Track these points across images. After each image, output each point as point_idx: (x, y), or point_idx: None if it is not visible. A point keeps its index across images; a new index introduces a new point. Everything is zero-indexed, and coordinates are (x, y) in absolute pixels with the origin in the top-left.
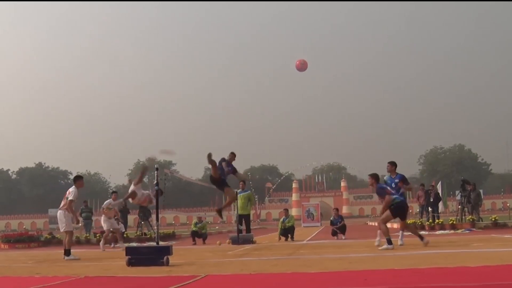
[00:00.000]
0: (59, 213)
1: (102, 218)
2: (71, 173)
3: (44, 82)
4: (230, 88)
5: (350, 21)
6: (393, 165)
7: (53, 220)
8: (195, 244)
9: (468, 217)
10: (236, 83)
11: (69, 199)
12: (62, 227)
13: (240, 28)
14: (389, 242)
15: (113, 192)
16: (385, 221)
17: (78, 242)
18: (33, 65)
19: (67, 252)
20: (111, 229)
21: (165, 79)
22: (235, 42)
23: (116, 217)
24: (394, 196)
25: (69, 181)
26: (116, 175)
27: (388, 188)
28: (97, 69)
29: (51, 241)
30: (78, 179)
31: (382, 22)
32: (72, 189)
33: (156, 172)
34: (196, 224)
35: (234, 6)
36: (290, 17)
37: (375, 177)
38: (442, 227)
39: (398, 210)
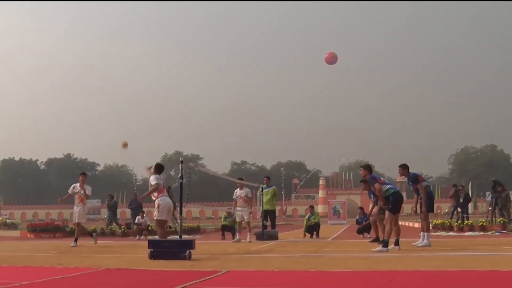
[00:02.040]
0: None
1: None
2: (98, 165)
3: (71, 72)
4: (258, 81)
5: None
6: (404, 168)
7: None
8: (224, 238)
9: (499, 219)
10: (265, 76)
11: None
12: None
13: (265, 17)
14: (385, 244)
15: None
16: (390, 221)
17: (103, 234)
18: (60, 53)
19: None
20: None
21: (190, 69)
22: (261, 34)
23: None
24: (389, 186)
25: (97, 173)
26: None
27: (381, 178)
28: (123, 57)
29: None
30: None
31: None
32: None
33: (180, 165)
34: (226, 218)
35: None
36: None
37: (368, 168)
38: (471, 228)
39: (397, 204)
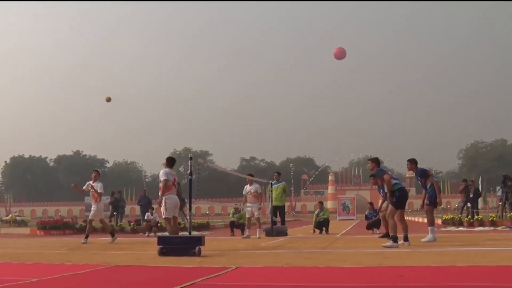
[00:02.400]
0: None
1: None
2: (107, 162)
3: (79, 69)
4: (267, 77)
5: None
6: (412, 162)
7: (89, 208)
8: (233, 234)
9: (509, 214)
10: (274, 72)
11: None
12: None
13: (267, 16)
14: (394, 239)
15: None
16: (392, 215)
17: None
18: (69, 47)
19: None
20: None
21: (198, 64)
22: (268, 31)
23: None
24: (395, 181)
25: (106, 170)
26: (153, 164)
27: (389, 172)
28: (128, 54)
29: (86, 229)
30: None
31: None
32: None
33: (190, 161)
34: (234, 214)
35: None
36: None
37: (375, 161)
38: (481, 223)
39: (402, 199)
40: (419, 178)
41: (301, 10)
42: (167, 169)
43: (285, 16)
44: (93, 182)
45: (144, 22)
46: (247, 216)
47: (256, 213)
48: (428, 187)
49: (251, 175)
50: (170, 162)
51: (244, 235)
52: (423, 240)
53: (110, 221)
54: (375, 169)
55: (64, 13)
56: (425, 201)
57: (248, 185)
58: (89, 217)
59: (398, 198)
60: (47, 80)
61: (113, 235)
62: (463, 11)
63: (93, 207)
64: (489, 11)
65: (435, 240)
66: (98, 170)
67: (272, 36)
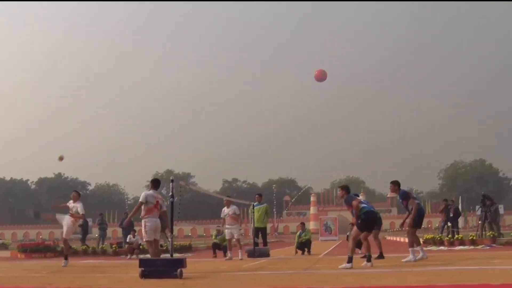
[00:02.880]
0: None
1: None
2: (89, 184)
3: (62, 92)
4: (249, 99)
5: (361, 23)
6: (395, 184)
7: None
8: (215, 256)
9: (489, 232)
10: (253, 92)
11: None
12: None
13: (252, 31)
14: (349, 260)
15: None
16: (355, 236)
17: (94, 253)
18: (52, 70)
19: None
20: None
21: (180, 87)
22: (249, 46)
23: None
24: (363, 205)
25: (88, 192)
26: (135, 187)
27: (358, 198)
28: (114, 76)
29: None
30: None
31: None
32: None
33: (171, 184)
34: (216, 236)
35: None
36: (305, 19)
37: (345, 189)
38: (461, 242)
39: (366, 222)
40: (401, 200)
41: (282, 31)
42: (149, 192)
43: (264, 34)
44: (73, 203)
45: (128, 42)
46: (226, 238)
47: (236, 235)
48: (410, 209)
49: (229, 196)
50: (154, 184)
51: (227, 257)
52: (403, 260)
53: (83, 244)
54: (345, 196)
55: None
56: (407, 221)
57: (225, 207)
58: (64, 236)
59: (363, 220)
60: (28, 103)
61: (66, 258)
62: (446, 28)
63: (68, 224)
64: (471, 29)
65: (416, 261)
66: (78, 191)
67: (251, 60)
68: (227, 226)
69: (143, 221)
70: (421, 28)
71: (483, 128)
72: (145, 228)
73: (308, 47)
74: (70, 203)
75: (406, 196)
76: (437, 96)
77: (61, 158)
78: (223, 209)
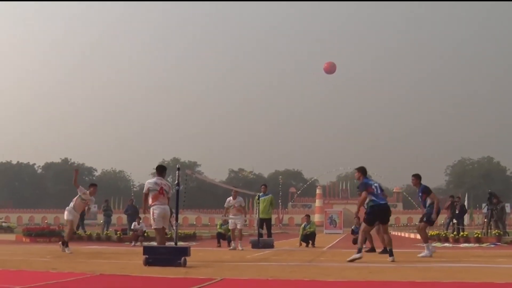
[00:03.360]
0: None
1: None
2: (96, 170)
3: (70, 77)
4: (257, 89)
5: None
6: (417, 178)
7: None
8: (220, 246)
9: (494, 231)
10: (264, 84)
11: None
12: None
13: (256, 26)
14: (358, 251)
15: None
16: (364, 231)
17: (99, 239)
18: (58, 56)
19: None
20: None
21: (189, 76)
22: (260, 41)
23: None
24: (372, 198)
25: (94, 178)
26: (142, 174)
27: (373, 186)
28: (120, 63)
29: (72, 237)
30: (92, 186)
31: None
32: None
33: (177, 172)
34: (221, 225)
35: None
36: (309, 13)
37: (361, 170)
38: (466, 240)
39: (371, 216)
40: (420, 194)
41: (287, 27)
42: (151, 180)
43: (267, 27)
44: (90, 196)
45: (135, 32)
46: (230, 227)
47: (239, 225)
48: (427, 204)
49: (236, 187)
50: (159, 170)
51: (231, 247)
52: (419, 255)
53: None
54: (361, 179)
55: (57, 18)
56: (423, 218)
57: (231, 197)
58: (66, 217)
59: (368, 214)
60: (37, 87)
61: (65, 245)
62: (451, 25)
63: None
64: (476, 29)
65: (431, 256)
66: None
67: (260, 51)
68: (231, 215)
69: (151, 209)
70: (431, 24)
71: (492, 126)
72: (153, 216)
73: (315, 39)
74: (87, 194)
75: (427, 191)
76: (446, 92)
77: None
78: (228, 199)
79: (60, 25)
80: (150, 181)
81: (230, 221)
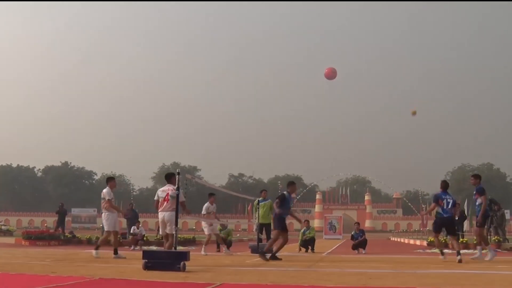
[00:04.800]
0: (102, 215)
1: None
2: (95, 174)
3: (70, 79)
4: (257, 94)
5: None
6: (477, 178)
7: (76, 220)
8: (219, 251)
9: (494, 237)
10: (264, 89)
11: (107, 199)
12: (105, 226)
13: (253, 28)
14: (441, 253)
15: (211, 194)
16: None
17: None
18: (58, 58)
19: (115, 251)
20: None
21: (192, 80)
22: (257, 45)
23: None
24: (439, 211)
25: (94, 182)
26: (141, 178)
27: (444, 201)
28: (121, 65)
29: (72, 240)
30: (110, 180)
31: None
32: (105, 190)
33: (177, 176)
34: (221, 230)
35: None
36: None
37: (479, 177)
38: (466, 246)
39: (435, 224)
40: (475, 193)
41: (284, 30)
42: (160, 188)
43: (270, 31)
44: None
45: (134, 33)
46: (214, 233)
47: (216, 231)
48: (477, 204)
49: (213, 194)
50: (166, 178)
51: (224, 252)
52: (486, 258)
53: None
54: (479, 184)
55: (57, 17)
56: (476, 223)
57: (209, 203)
58: (107, 229)
59: (433, 223)
60: (36, 88)
61: (115, 252)
62: (451, 28)
63: (107, 218)
64: (475, 33)
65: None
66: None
67: (262, 57)
68: (215, 221)
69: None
70: (431, 26)
71: (492, 132)
72: (157, 224)
73: (315, 42)
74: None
75: (481, 191)
76: (446, 98)
77: (414, 113)
78: (207, 206)
79: (60, 25)
80: (159, 189)
81: (214, 225)
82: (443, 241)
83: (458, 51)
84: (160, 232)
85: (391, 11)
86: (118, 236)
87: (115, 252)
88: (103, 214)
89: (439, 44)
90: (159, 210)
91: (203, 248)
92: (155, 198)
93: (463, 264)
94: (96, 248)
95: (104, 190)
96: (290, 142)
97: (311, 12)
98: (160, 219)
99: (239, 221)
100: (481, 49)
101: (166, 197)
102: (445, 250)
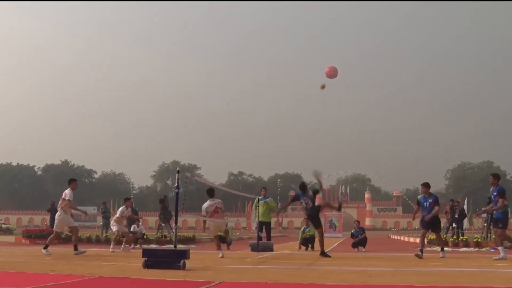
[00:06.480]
0: (57, 214)
1: (112, 221)
2: (95, 172)
3: (69, 77)
4: (256, 92)
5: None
6: (495, 178)
7: (76, 218)
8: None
9: (494, 235)
10: (263, 86)
11: (66, 199)
12: (55, 226)
13: (261, 18)
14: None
15: (127, 198)
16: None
17: (98, 241)
18: (54, 59)
19: (75, 247)
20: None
21: (190, 80)
22: (257, 39)
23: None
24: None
25: (93, 180)
26: (141, 176)
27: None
28: (121, 64)
29: (71, 239)
30: (72, 181)
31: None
32: (67, 191)
33: (177, 175)
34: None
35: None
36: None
37: (498, 177)
38: (466, 244)
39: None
40: (495, 193)
41: (278, 29)
42: (206, 204)
43: (267, 26)
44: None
45: (132, 31)
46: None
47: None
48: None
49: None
50: (208, 193)
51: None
52: (494, 258)
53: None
54: (497, 185)
55: (56, 15)
56: (499, 224)
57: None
58: (55, 229)
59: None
60: (35, 87)
61: (75, 249)
62: (450, 24)
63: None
64: (474, 29)
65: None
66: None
67: (261, 56)
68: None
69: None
70: (429, 23)
71: (492, 130)
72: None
73: (314, 41)
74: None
75: (503, 194)
76: (446, 96)
77: (323, 87)
78: (208, 204)
79: (59, 23)
80: (204, 205)
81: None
82: (443, 238)
83: (458, 48)
84: (212, 235)
85: (392, 8)
86: (110, 234)
87: (75, 248)
88: (57, 213)
89: (439, 40)
90: (214, 218)
91: (111, 245)
92: (204, 213)
93: (463, 262)
94: (45, 247)
95: (66, 191)
96: (290, 140)
97: (312, 11)
98: (216, 224)
99: (238, 219)
100: (482, 46)
101: (216, 209)
102: (445, 248)
